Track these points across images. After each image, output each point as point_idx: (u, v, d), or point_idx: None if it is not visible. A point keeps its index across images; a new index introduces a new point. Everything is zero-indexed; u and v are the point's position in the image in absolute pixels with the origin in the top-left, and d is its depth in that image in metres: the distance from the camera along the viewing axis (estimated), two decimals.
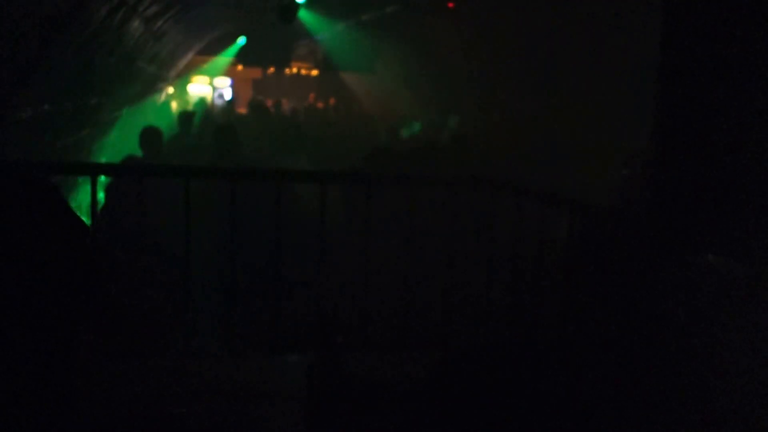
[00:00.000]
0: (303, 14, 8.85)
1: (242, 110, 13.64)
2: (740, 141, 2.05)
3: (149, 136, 5.64)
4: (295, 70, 18.05)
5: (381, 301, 3.10)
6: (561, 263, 3.06)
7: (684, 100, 2.23)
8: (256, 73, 18.52)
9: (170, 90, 13.86)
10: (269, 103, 13.05)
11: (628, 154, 4.44)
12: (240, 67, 16.91)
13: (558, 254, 3.17)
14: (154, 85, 10.34)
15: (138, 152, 5.60)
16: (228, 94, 18.33)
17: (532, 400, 1.37)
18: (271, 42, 13.50)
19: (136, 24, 6.07)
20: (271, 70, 18.06)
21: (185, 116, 8.24)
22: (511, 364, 2.27)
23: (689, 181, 2.18)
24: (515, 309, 3.11)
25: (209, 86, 18.10)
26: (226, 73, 17.37)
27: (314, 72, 18.00)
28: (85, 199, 5.32)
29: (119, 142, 7.80)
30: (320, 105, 15.28)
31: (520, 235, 3.11)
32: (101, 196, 3.80)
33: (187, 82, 15.83)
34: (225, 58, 15.18)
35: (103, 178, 3.78)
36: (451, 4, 8.78)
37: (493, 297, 3.12)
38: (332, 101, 15.03)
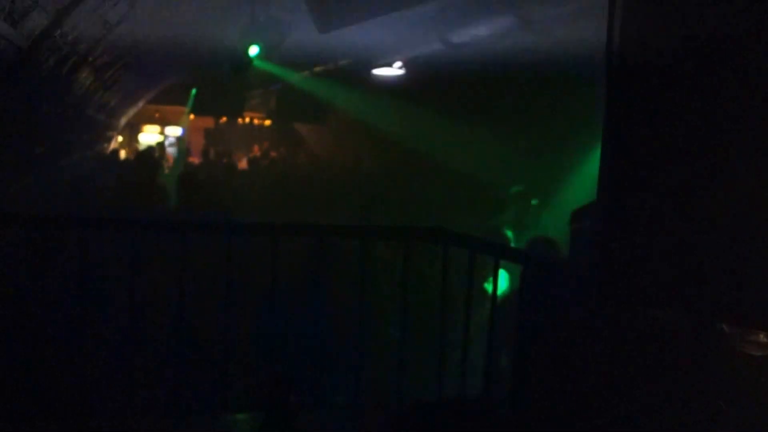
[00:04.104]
0: (256, 65, 8.89)
1: (194, 159, 13.48)
2: (686, 199, 2.12)
3: None
4: (248, 119, 18.04)
5: (337, 357, 3.07)
6: (513, 315, 3.08)
7: (630, 157, 2.30)
8: (208, 122, 18.44)
9: (119, 138, 13.67)
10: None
11: (576, 209, 4.52)
12: (192, 117, 16.81)
13: (510, 306, 3.19)
14: (103, 133, 10.19)
15: None
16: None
17: None
18: (223, 92, 13.48)
19: (85, 73, 6.01)
20: (224, 119, 18.01)
21: None
22: (466, 419, 2.24)
23: (637, 237, 2.23)
24: (469, 362, 3.10)
25: (160, 135, 17.93)
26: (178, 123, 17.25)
27: (267, 122, 18.02)
28: None
29: None
30: (273, 154, 15.25)
31: (473, 287, 3.13)
32: None
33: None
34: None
35: None
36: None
37: (447, 350, 3.11)
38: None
